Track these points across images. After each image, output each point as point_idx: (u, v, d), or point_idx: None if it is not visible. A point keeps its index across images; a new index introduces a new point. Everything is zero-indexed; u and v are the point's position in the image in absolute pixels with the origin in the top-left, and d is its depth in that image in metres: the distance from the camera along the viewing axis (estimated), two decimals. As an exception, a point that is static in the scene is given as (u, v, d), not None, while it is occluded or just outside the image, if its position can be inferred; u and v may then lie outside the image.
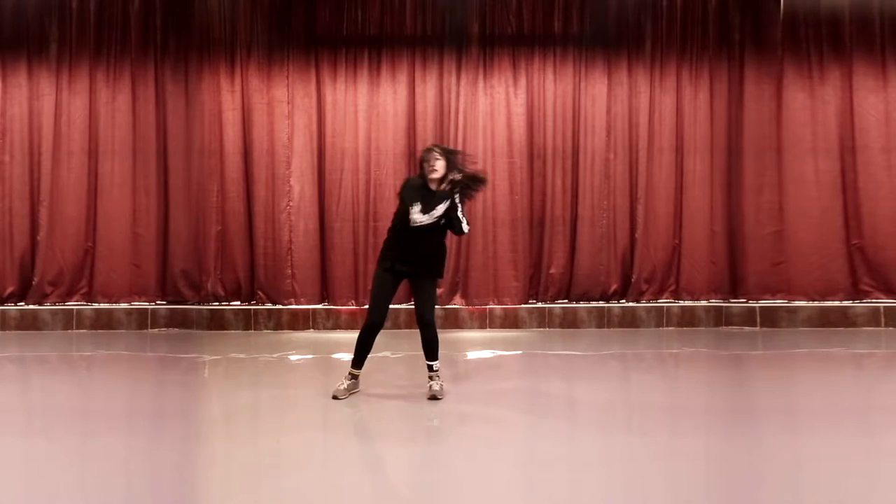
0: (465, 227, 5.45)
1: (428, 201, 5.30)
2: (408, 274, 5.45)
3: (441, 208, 5.28)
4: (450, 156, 5.42)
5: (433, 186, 5.34)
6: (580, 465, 4.27)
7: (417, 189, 5.36)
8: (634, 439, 4.81)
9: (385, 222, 8.08)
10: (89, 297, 8.58)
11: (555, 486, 3.91)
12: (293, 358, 7.20)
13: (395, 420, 5.12)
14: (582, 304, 8.69)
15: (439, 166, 5.31)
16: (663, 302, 8.72)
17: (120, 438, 4.77)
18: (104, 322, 8.47)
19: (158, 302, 8.57)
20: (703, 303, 8.70)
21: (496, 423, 5.07)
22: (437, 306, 5.83)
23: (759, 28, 8.76)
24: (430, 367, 5.51)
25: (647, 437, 4.83)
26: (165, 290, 8.61)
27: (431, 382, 5.48)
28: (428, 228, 5.32)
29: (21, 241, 8.54)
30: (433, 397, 5.37)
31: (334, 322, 8.47)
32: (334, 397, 5.34)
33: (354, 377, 5.50)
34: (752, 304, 8.65)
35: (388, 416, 5.25)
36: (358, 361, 5.49)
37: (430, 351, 5.49)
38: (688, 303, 8.70)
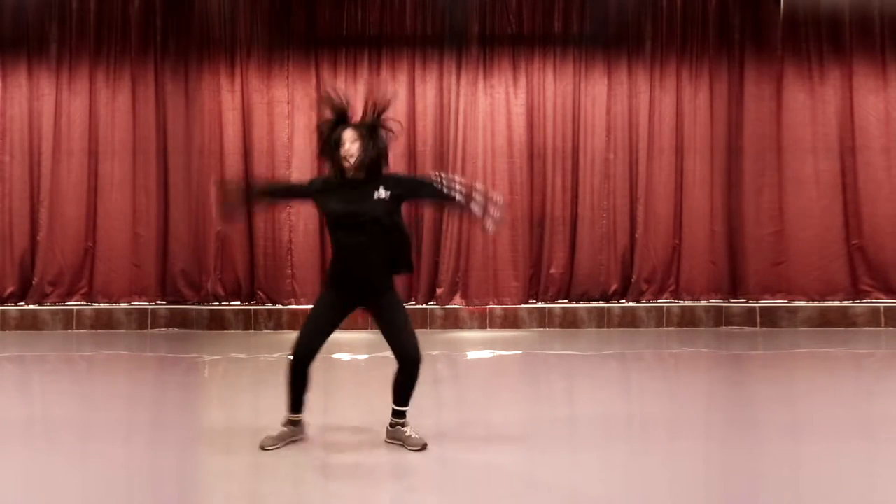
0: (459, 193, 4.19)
1: (346, 194, 4.18)
2: (356, 300, 4.31)
3: (378, 201, 4.14)
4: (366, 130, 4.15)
5: (351, 174, 4.18)
6: (580, 466, 4.27)
7: (328, 183, 4.26)
8: (634, 440, 4.81)
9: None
10: (89, 297, 8.58)
11: (555, 487, 3.91)
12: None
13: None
14: (582, 304, 8.69)
15: (356, 149, 4.12)
16: (663, 302, 8.71)
17: (119, 439, 4.77)
18: (104, 322, 8.47)
19: (158, 302, 8.57)
20: (703, 303, 8.70)
21: (495, 425, 5.07)
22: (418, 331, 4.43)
23: (759, 28, 8.76)
24: (401, 414, 4.40)
25: (647, 438, 4.84)
26: (165, 290, 8.61)
27: (407, 429, 4.39)
28: (368, 231, 4.14)
29: (21, 241, 8.54)
30: (424, 446, 4.33)
31: (334, 322, 8.46)
32: (262, 447, 4.30)
33: (292, 423, 4.41)
34: (752, 304, 8.65)
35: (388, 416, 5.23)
36: (294, 404, 4.37)
37: (406, 395, 4.36)
38: (688, 303, 8.70)
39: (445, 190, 4.24)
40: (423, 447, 4.36)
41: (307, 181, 4.48)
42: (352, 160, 4.14)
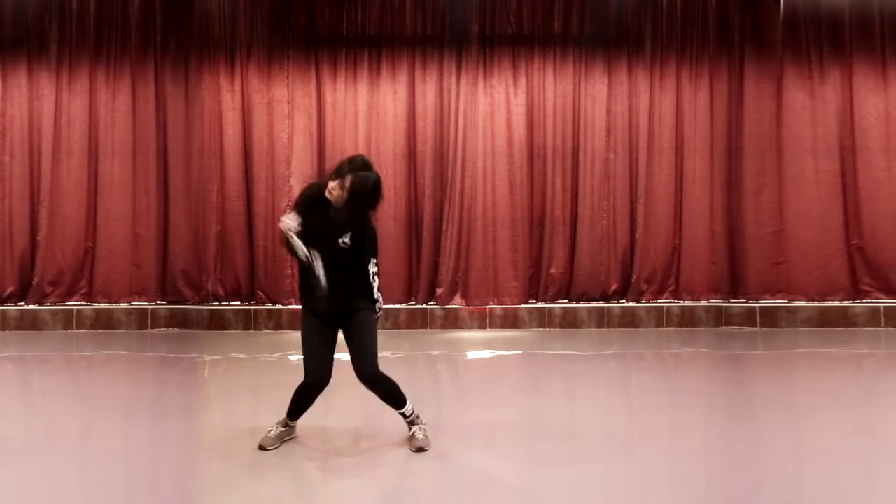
0: (377, 293, 4.36)
1: (321, 220, 4.28)
2: (333, 316, 4.38)
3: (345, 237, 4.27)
4: (359, 192, 4.28)
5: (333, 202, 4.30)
6: (580, 466, 4.27)
7: (312, 200, 4.37)
8: (634, 439, 4.81)
9: (383, 223, 8.12)
10: (89, 297, 8.58)
11: (555, 487, 3.91)
12: (293, 358, 7.18)
13: (394, 421, 5.11)
14: (582, 304, 8.69)
15: (342, 198, 4.26)
16: (663, 302, 8.71)
17: (119, 439, 4.77)
18: (104, 322, 8.47)
19: (158, 302, 8.57)
20: (703, 303, 8.70)
21: (494, 425, 5.07)
22: (377, 355, 4.45)
23: (759, 28, 8.76)
24: (403, 416, 4.53)
25: (647, 437, 4.84)
26: (165, 290, 8.61)
27: (415, 429, 4.51)
28: (338, 256, 4.27)
29: (21, 241, 8.54)
30: (419, 448, 4.41)
31: (334, 322, 8.46)
32: (261, 447, 4.43)
33: (288, 426, 4.60)
34: (752, 304, 8.65)
35: (390, 417, 5.24)
36: (293, 414, 4.57)
37: (393, 401, 4.48)
38: (688, 303, 8.70)
39: (370, 276, 4.35)
40: (422, 449, 4.41)
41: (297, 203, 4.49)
42: (334, 194, 4.25)
